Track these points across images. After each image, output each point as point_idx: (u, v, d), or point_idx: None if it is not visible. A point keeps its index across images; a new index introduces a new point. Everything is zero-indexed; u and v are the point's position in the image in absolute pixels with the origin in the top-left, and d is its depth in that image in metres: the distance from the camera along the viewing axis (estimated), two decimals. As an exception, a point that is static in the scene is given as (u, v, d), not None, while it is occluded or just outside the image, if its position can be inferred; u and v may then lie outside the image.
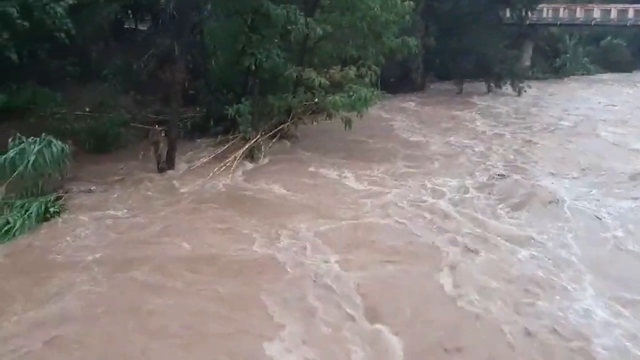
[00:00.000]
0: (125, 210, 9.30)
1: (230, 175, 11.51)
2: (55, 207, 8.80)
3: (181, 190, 10.57)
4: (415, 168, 12.70)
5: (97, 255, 7.34)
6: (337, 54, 15.44)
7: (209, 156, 12.60)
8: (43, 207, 8.41)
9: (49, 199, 8.85)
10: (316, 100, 14.20)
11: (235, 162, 12.19)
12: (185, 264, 7.25)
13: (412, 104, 22.98)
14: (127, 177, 11.30)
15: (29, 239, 7.89)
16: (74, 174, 10.82)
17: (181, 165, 12.04)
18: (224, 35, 14.76)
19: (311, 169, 12.31)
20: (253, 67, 12.50)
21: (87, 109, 13.93)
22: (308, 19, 11.88)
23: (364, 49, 15.02)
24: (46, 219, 8.58)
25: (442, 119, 19.47)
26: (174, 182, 11.07)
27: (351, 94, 13.20)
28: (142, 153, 12.07)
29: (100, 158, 12.55)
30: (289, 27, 12.22)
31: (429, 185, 11.12)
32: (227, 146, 13.07)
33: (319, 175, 11.85)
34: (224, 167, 11.83)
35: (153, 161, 11.86)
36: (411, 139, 16.07)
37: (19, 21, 11.17)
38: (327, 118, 14.31)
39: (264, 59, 12.44)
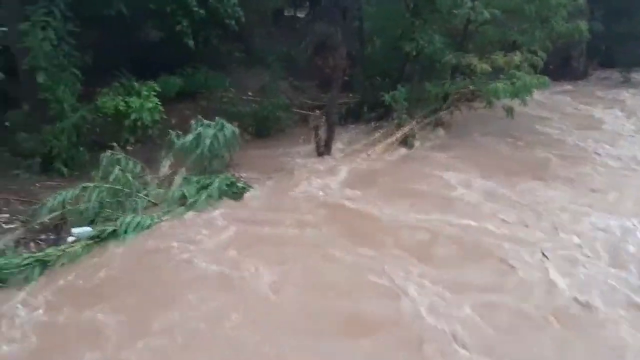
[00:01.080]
0: (282, 202, 9.30)
1: (381, 165, 11.41)
2: (242, 183, 9.36)
3: (331, 185, 10.19)
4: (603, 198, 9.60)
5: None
6: (498, 39, 14.66)
7: (363, 143, 12.60)
8: (223, 185, 8.92)
9: (227, 178, 9.38)
10: (475, 87, 13.71)
11: (388, 149, 12.12)
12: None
13: (568, 97, 20.07)
14: (287, 160, 11.66)
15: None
16: (239, 155, 11.41)
17: (338, 149, 12.16)
18: (383, 21, 14.63)
19: (467, 176, 10.45)
20: (414, 53, 12.25)
21: (250, 93, 14.66)
22: (475, 2, 11.37)
23: (529, 34, 14.12)
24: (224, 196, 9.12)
25: (613, 117, 16.62)
26: (327, 173, 10.86)
27: (514, 80, 12.49)
28: (302, 138, 12.41)
29: (262, 140, 13.14)
30: (454, 11, 11.79)
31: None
32: (381, 133, 13.00)
33: (480, 185, 9.99)
34: (377, 155, 11.79)
35: (311, 145, 12.16)
36: (579, 143, 13.25)
37: (196, 9, 12.01)
38: (487, 106, 13.65)
39: (425, 45, 12.14)
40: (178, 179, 9.36)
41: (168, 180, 9.62)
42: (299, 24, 17.71)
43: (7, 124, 11.09)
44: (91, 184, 8.31)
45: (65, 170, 10.05)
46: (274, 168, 11.10)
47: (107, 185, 8.32)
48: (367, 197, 9.30)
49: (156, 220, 7.99)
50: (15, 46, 9.43)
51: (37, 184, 9.97)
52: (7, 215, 8.81)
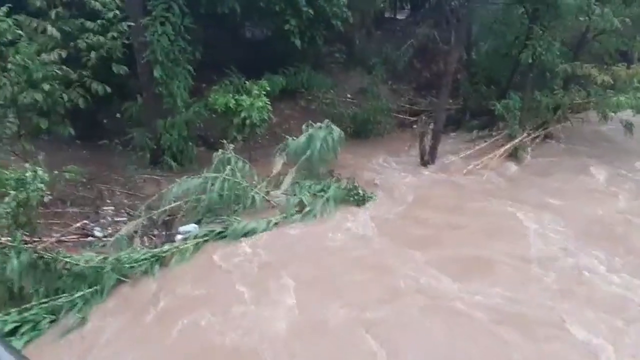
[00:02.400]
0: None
1: (483, 185, 10.37)
2: (361, 190, 9.03)
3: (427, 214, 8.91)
4: None
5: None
6: (615, 49, 13.65)
7: (468, 153, 12.00)
8: (339, 192, 8.68)
9: (340, 184, 9.15)
10: (591, 99, 12.85)
11: (495, 162, 11.45)
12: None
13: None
14: (389, 169, 11.28)
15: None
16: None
17: (442, 159, 11.64)
18: (494, 25, 13.93)
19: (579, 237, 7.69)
20: (529, 61, 11.53)
21: (349, 95, 14.41)
22: (605, 10, 10.54)
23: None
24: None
25: None
26: (429, 193, 9.82)
27: (638, 95, 11.55)
28: (408, 144, 11.97)
29: (359, 144, 12.79)
30: (581, 19, 11.00)
31: None
32: (487, 143, 12.33)
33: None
34: (482, 167, 11.15)
35: (413, 152, 11.76)
36: None
37: (305, 9, 11.86)
38: (601, 120, 12.73)
39: (543, 52, 11.41)
40: (287, 181, 9.21)
41: (274, 181, 9.51)
42: (399, 26, 17.29)
43: (118, 115, 11.37)
44: (213, 174, 8.29)
45: (174, 164, 10.15)
46: (376, 177, 10.66)
47: (229, 177, 8.26)
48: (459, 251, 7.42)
49: (271, 225, 7.81)
50: (136, 40, 9.56)
51: (142, 177, 10.14)
52: (112, 208, 8.99)
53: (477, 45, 14.91)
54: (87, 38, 8.29)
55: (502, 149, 11.74)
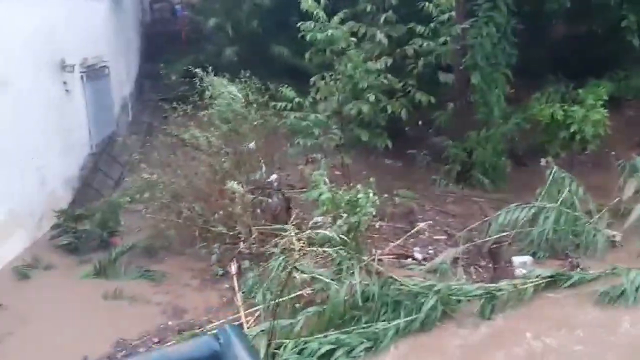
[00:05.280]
0: None
1: None
2: None
3: None
4: None
5: None
6: None
7: None
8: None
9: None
10: None
11: None
12: None
13: None
14: None
15: None
16: None
17: None
18: None
19: None
20: None
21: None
22: None
23: None
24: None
25: None
26: None
27: None
28: None
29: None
30: None
31: None
32: None
33: None
34: None
35: None
36: None
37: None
38: None
39: None
40: (635, 214, 7.37)
41: (614, 210, 7.74)
42: None
43: (420, 122, 10.78)
44: (549, 205, 6.99)
45: (486, 181, 9.07)
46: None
47: (567, 210, 6.87)
48: None
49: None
50: (457, 44, 8.71)
51: (450, 193, 9.28)
52: (427, 225, 8.20)
53: None
54: (415, 43, 7.67)
55: None
